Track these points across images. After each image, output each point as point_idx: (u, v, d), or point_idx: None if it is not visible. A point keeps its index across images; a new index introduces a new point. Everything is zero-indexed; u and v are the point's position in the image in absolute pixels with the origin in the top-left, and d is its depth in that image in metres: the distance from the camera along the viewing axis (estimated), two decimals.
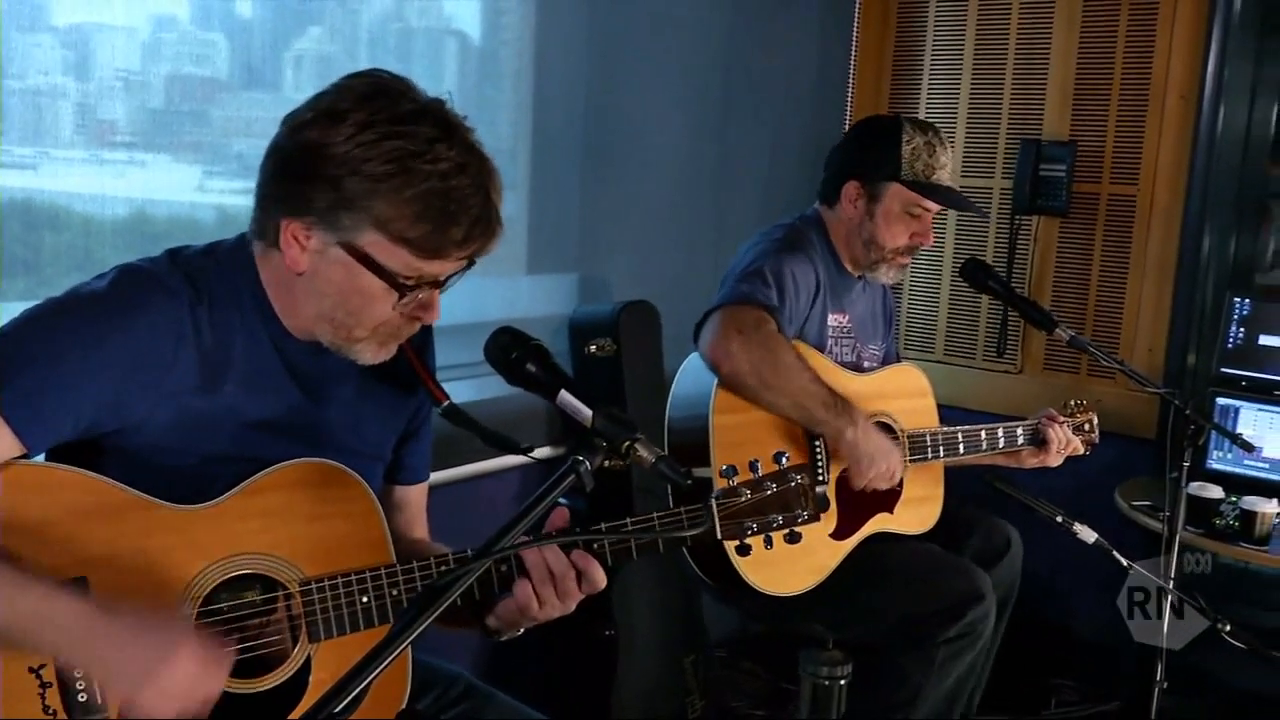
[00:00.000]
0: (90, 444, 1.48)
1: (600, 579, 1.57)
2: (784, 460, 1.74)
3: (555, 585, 1.55)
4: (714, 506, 1.67)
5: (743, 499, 1.69)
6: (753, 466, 1.72)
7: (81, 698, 1.39)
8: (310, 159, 1.45)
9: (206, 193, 2.46)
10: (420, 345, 1.71)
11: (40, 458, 1.47)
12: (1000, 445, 2.74)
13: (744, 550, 1.71)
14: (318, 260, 1.49)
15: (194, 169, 2.44)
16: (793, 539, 1.74)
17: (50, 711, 1.37)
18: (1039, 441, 2.75)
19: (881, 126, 2.67)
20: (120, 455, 1.48)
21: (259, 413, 1.55)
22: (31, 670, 1.37)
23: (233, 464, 1.51)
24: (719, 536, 1.68)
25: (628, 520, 1.67)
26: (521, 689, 1.89)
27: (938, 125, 2.71)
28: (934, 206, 2.63)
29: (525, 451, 1.61)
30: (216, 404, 1.51)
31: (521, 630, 1.63)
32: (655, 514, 1.67)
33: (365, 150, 1.42)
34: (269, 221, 1.51)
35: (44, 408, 1.40)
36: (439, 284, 1.52)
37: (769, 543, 1.72)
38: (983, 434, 2.70)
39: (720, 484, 1.69)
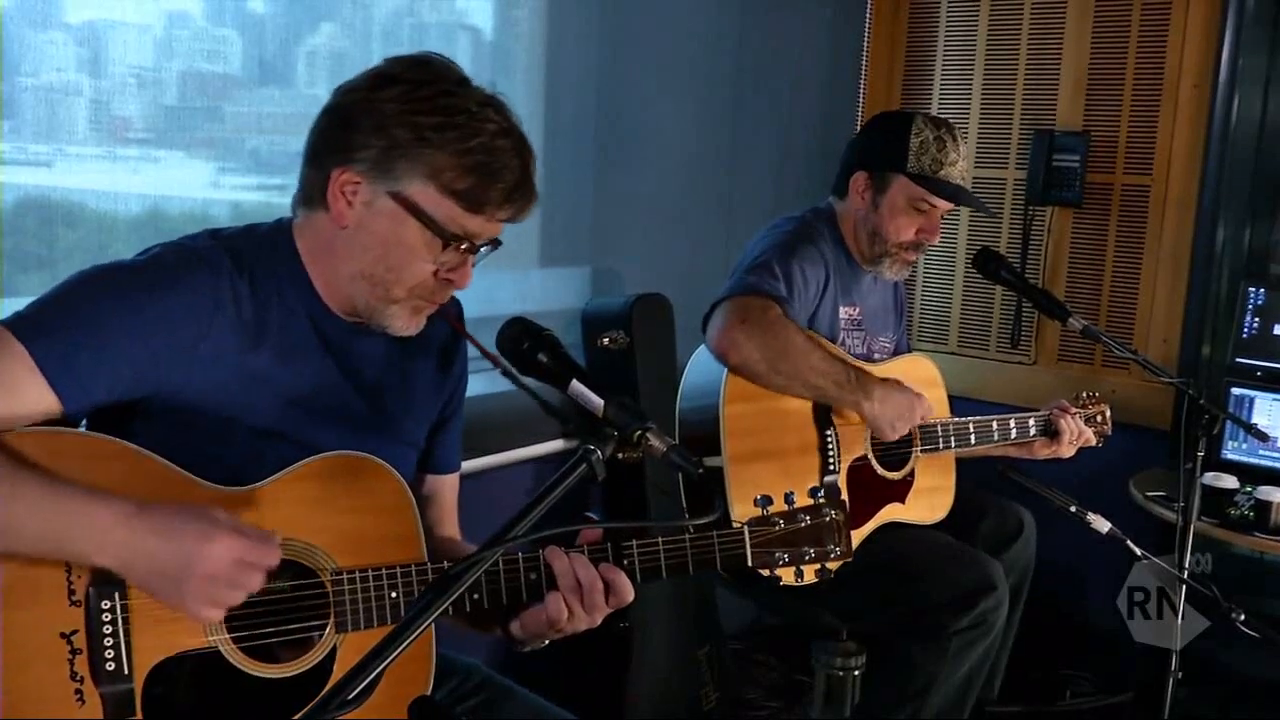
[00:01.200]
0: (127, 413, 1.49)
1: (628, 593, 1.59)
2: (819, 495, 1.75)
3: (583, 597, 1.57)
4: (746, 533, 1.70)
5: (775, 529, 1.71)
6: (788, 499, 1.73)
7: (110, 666, 1.40)
8: (363, 111, 1.52)
9: (221, 189, 2.47)
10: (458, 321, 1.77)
11: (82, 426, 1.50)
12: (1012, 436, 2.74)
13: (774, 581, 1.73)
14: (364, 212, 1.54)
15: (208, 165, 2.45)
16: (824, 575, 1.75)
17: (78, 678, 1.39)
18: (1051, 433, 2.76)
19: (893, 119, 2.68)
20: (157, 425, 1.49)
21: (294, 386, 1.57)
22: (63, 635, 1.39)
23: (267, 439, 1.53)
24: (750, 564, 1.71)
25: (659, 540, 1.67)
26: (536, 681, 1.90)
27: (952, 116, 2.72)
28: (941, 203, 2.61)
29: (567, 424, 1.64)
30: (251, 374, 1.53)
31: (546, 642, 1.64)
32: (687, 532, 1.68)
33: (418, 105, 1.50)
34: (317, 179, 1.55)
35: (80, 367, 1.42)
36: (474, 248, 1.56)
37: (800, 576, 1.74)
38: (994, 424, 2.71)
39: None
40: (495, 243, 1.59)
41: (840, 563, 1.75)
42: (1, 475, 1.34)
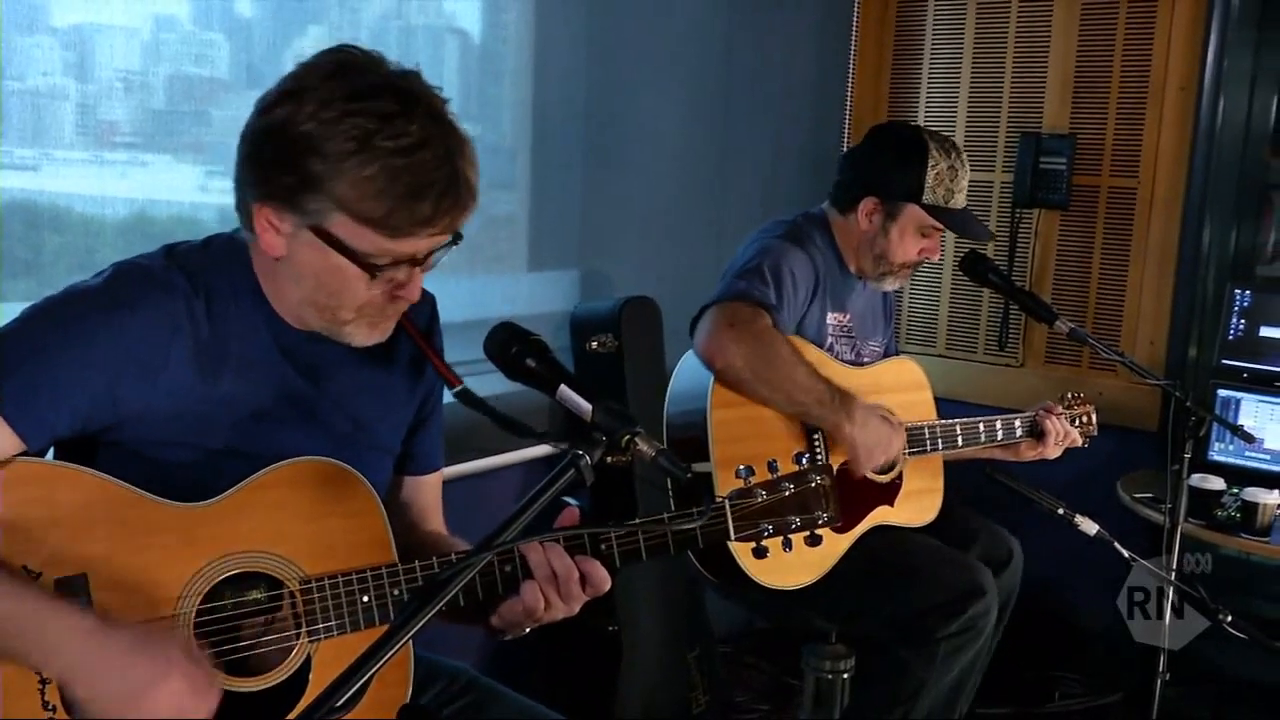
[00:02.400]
0: (92, 440, 1.48)
1: (604, 581, 1.56)
2: (803, 461, 1.70)
3: (558, 587, 1.54)
4: (727, 507, 1.64)
5: (758, 500, 1.65)
6: (771, 467, 1.68)
7: None
8: (274, 141, 1.44)
9: (208, 193, 2.46)
10: (427, 329, 1.71)
11: (49, 455, 1.48)
12: (998, 437, 2.74)
13: (760, 553, 1.66)
14: (292, 243, 1.47)
15: (195, 169, 2.44)
16: (813, 541, 1.69)
17: (50, 707, 1.38)
18: (1037, 434, 2.76)
19: (908, 145, 2.60)
20: (122, 451, 1.48)
21: (259, 403, 1.55)
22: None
23: (235, 458, 1.51)
24: (733, 538, 1.65)
25: (637, 520, 1.64)
26: (525, 684, 1.90)
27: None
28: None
29: (541, 436, 1.53)
30: (215, 397, 1.51)
31: (526, 630, 1.62)
32: (665, 514, 1.62)
33: (325, 129, 1.39)
34: (244, 208, 1.51)
35: (41, 405, 1.41)
36: (418, 262, 1.48)
37: (788, 545, 1.68)
38: (980, 426, 2.71)
39: (734, 483, 1.65)
40: (455, 240, 1.50)
41: (829, 528, 1.68)
42: None
